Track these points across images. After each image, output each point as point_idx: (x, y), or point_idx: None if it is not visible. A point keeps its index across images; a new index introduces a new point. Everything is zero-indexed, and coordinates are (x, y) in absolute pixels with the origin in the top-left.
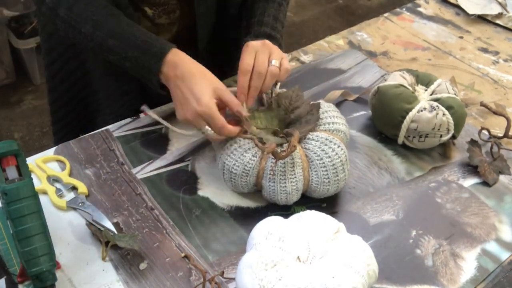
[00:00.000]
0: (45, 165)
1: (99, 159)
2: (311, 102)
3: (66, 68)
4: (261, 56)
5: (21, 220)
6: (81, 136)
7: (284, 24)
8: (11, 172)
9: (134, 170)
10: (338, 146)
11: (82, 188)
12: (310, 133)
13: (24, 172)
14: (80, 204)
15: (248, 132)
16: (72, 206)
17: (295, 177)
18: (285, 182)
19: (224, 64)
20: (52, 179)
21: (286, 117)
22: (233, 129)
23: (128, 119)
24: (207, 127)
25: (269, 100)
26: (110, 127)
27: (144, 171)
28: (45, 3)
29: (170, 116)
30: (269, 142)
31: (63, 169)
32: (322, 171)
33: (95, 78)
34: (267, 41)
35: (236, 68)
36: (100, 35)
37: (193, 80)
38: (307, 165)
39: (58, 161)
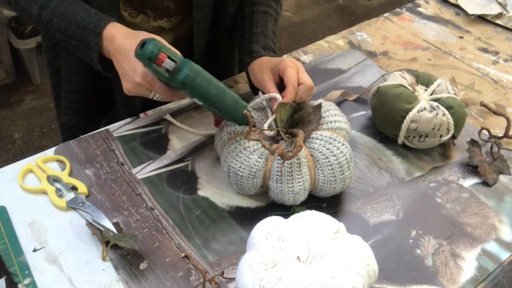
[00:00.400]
0: (45, 165)
1: (99, 159)
2: (314, 104)
3: (67, 65)
4: (304, 71)
5: (206, 90)
6: (81, 136)
7: (278, 39)
8: (168, 64)
9: (134, 170)
10: (343, 144)
11: (82, 188)
12: (314, 132)
13: (174, 56)
14: (80, 204)
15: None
16: (72, 206)
17: (302, 177)
18: (292, 183)
19: (217, 68)
20: (52, 179)
21: (289, 119)
22: (176, 92)
23: (128, 119)
24: (153, 92)
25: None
26: (110, 127)
27: (144, 171)
28: None
29: (172, 115)
30: (279, 144)
31: (63, 169)
32: (328, 169)
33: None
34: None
35: (230, 70)
36: (46, 15)
37: (128, 52)
38: (313, 165)
39: (58, 161)
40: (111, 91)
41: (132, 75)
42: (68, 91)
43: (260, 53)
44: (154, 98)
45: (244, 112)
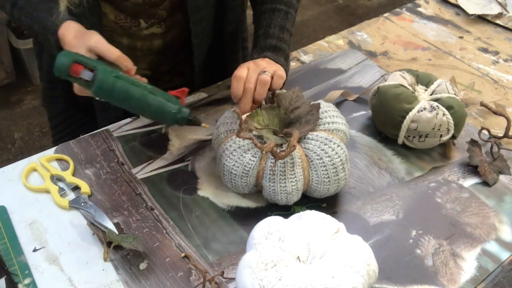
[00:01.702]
0: (49, 164)
1: (99, 159)
2: (312, 103)
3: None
4: (250, 72)
5: (127, 96)
6: (81, 136)
7: (292, 32)
8: (86, 74)
9: (134, 170)
10: (338, 146)
11: (85, 187)
12: (310, 133)
13: (93, 65)
14: (82, 204)
15: (248, 131)
16: (74, 205)
17: (295, 177)
18: (285, 182)
19: (221, 71)
20: (56, 178)
21: (286, 117)
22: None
23: (128, 119)
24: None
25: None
26: (110, 127)
27: (144, 171)
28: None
29: None
30: (268, 142)
31: (63, 169)
32: (322, 170)
33: None
34: (264, 61)
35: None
36: (16, 12)
37: (70, 45)
38: (307, 165)
39: (59, 161)
40: None
41: (86, 41)
42: (49, 81)
43: (252, 57)
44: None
45: (233, 110)
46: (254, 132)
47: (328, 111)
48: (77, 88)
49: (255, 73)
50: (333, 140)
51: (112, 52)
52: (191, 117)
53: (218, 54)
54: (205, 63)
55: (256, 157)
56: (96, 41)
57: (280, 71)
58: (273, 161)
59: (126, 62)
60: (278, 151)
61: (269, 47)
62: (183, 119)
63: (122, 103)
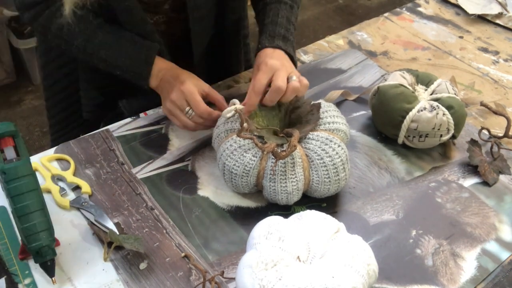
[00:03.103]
0: (50, 164)
1: (99, 159)
2: (312, 102)
3: (60, 71)
4: (281, 74)
5: (20, 197)
6: (81, 136)
7: (296, 27)
8: (9, 153)
9: (134, 170)
10: (339, 146)
11: (86, 187)
12: (311, 132)
13: (21, 153)
14: (83, 204)
15: (248, 131)
16: (75, 205)
17: (296, 177)
18: (285, 182)
19: (220, 76)
20: (56, 178)
21: (286, 117)
22: (214, 112)
23: (128, 119)
24: (189, 108)
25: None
26: (110, 127)
27: (144, 171)
28: (37, 20)
29: None
30: (269, 142)
31: (63, 169)
32: (323, 170)
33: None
34: (284, 60)
35: (235, 68)
36: (92, 47)
37: (183, 75)
38: (308, 165)
39: (59, 160)
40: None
41: (180, 85)
42: (87, 89)
43: (263, 44)
44: (186, 112)
45: (235, 109)
46: (255, 132)
47: (329, 111)
48: (173, 109)
49: (284, 76)
50: (333, 140)
51: (221, 101)
52: (50, 261)
53: (218, 52)
54: (205, 61)
55: (256, 157)
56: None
57: (305, 79)
58: (273, 161)
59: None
60: (279, 151)
61: (278, 35)
62: (45, 254)
63: (13, 197)
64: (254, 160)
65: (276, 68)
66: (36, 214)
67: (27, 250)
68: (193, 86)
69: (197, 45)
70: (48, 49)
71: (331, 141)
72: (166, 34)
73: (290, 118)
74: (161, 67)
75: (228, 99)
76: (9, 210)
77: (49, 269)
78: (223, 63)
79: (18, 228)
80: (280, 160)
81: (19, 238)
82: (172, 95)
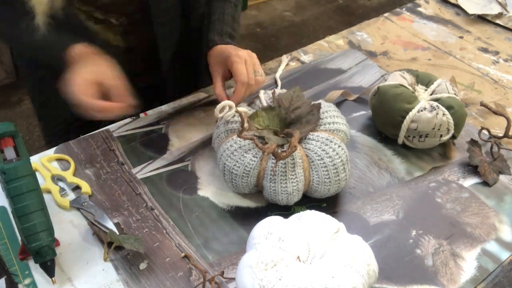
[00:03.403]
0: (50, 164)
1: (99, 159)
2: (312, 103)
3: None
4: (249, 68)
5: (20, 197)
6: (81, 136)
7: (240, 25)
8: (9, 153)
9: (134, 170)
10: (339, 146)
11: (86, 188)
12: (311, 133)
13: (21, 153)
14: (83, 204)
15: (249, 132)
16: (75, 205)
17: (296, 177)
18: (286, 183)
19: (191, 78)
20: (56, 178)
21: (286, 117)
22: (104, 104)
23: (128, 119)
24: None
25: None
26: (110, 127)
27: (144, 171)
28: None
29: (172, 115)
30: (270, 142)
31: (63, 169)
32: (323, 171)
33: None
34: (250, 52)
35: (204, 79)
36: (15, 47)
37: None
38: (308, 165)
39: (59, 161)
40: None
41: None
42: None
43: (214, 42)
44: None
45: (234, 110)
46: (255, 133)
47: (329, 111)
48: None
49: (252, 70)
50: (333, 140)
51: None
52: (50, 261)
53: (188, 55)
54: (174, 67)
55: (257, 157)
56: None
57: (263, 73)
58: (274, 161)
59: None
60: (279, 151)
61: (226, 33)
62: (45, 254)
63: (13, 197)
64: (254, 161)
65: (246, 59)
66: (36, 214)
67: (27, 250)
68: (74, 87)
69: (164, 50)
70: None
71: (331, 141)
72: (131, 40)
73: (290, 118)
74: (75, 52)
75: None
76: (9, 210)
77: (49, 269)
78: (195, 65)
79: (18, 228)
80: (281, 161)
81: (19, 238)
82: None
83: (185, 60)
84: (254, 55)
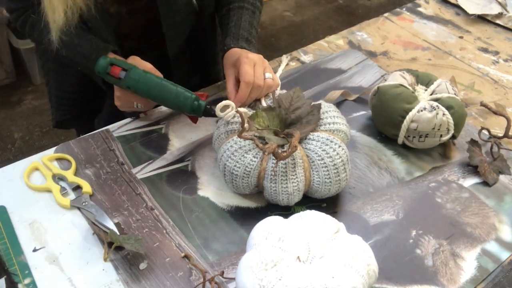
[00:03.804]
0: (51, 164)
1: (99, 159)
2: (312, 103)
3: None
4: (258, 69)
5: (154, 87)
6: (81, 136)
7: (257, 31)
8: (121, 74)
9: (134, 170)
10: (339, 146)
11: (87, 187)
12: (311, 133)
13: (126, 67)
14: (84, 204)
15: (249, 132)
16: (75, 205)
17: (297, 178)
18: (286, 183)
19: (204, 69)
20: (57, 178)
21: (287, 117)
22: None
23: (128, 119)
24: (135, 103)
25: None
26: (110, 127)
27: (144, 171)
28: (16, 22)
29: (172, 115)
30: (270, 142)
31: (64, 168)
32: (324, 171)
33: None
34: (261, 56)
35: (213, 75)
36: (55, 46)
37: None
38: (308, 166)
39: (59, 160)
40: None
41: (115, 91)
42: (58, 89)
43: (229, 45)
44: (138, 108)
45: (235, 110)
46: (255, 133)
47: (329, 112)
48: (121, 103)
49: (262, 72)
50: (334, 140)
51: (145, 65)
52: (208, 106)
53: (196, 47)
54: (182, 59)
55: (257, 158)
56: (136, 59)
57: (276, 77)
58: (274, 161)
59: (153, 71)
60: (280, 151)
61: (242, 37)
62: (199, 106)
63: (148, 92)
64: (254, 161)
65: (255, 61)
66: (171, 89)
67: (190, 115)
68: (121, 90)
69: (172, 41)
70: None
71: (331, 141)
72: (136, 28)
73: (290, 118)
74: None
75: (227, 99)
76: (10, 211)
77: (211, 112)
78: (202, 58)
79: (170, 107)
80: (281, 161)
81: (19, 238)
82: (115, 101)
83: (195, 54)
84: (265, 60)
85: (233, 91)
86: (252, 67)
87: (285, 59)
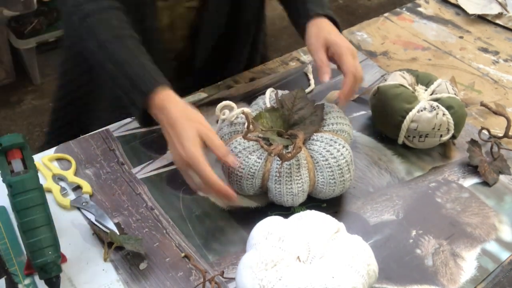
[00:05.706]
0: (51, 164)
1: (99, 159)
2: (315, 104)
3: (77, 70)
4: (357, 61)
5: (26, 212)
6: (81, 136)
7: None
8: (17, 165)
9: (134, 170)
10: (343, 147)
11: (87, 187)
12: (315, 134)
13: (29, 165)
14: (84, 204)
15: (253, 133)
16: (75, 205)
17: (301, 179)
18: (291, 184)
19: (223, 61)
20: (57, 178)
21: (290, 118)
22: (222, 187)
23: (128, 119)
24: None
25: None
26: (110, 127)
27: (144, 171)
28: (67, 5)
29: None
30: (275, 143)
31: (64, 168)
32: (328, 172)
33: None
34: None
35: (236, 65)
36: (101, 55)
37: (177, 123)
38: (313, 166)
39: (59, 160)
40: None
41: (181, 150)
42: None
43: (314, 11)
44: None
45: (241, 112)
46: (260, 134)
47: (332, 112)
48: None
49: (359, 65)
50: (338, 141)
51: (219, 148)
52: (55, 277)
53: (228, 42)
54: (206, 62)
55: (261, 159)
56: (206, 128)
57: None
58: (279, 163)
59: (229, 161)
60: (284, 152)
61: (325, 4)
62: (50, 270)
63: (19, 211)
64: (259, 162)
65: (352, 51)
66: (41, 229)
67: (32, 266)
68: (194, 148)
69: (203, 42)
70: (70, 45)
71: (335, 142)
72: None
73: (293, 119)
74: (160, 103)
75: (228, 99)
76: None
77: (54, 285)
78: (226, 63)
79: (24, 243)
80: (286, 162)
81: (19, 238)
82: (173, 154)
83: (225, 51)
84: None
85: (325, 58)
86: (354, 58)
87: (268, 91)
